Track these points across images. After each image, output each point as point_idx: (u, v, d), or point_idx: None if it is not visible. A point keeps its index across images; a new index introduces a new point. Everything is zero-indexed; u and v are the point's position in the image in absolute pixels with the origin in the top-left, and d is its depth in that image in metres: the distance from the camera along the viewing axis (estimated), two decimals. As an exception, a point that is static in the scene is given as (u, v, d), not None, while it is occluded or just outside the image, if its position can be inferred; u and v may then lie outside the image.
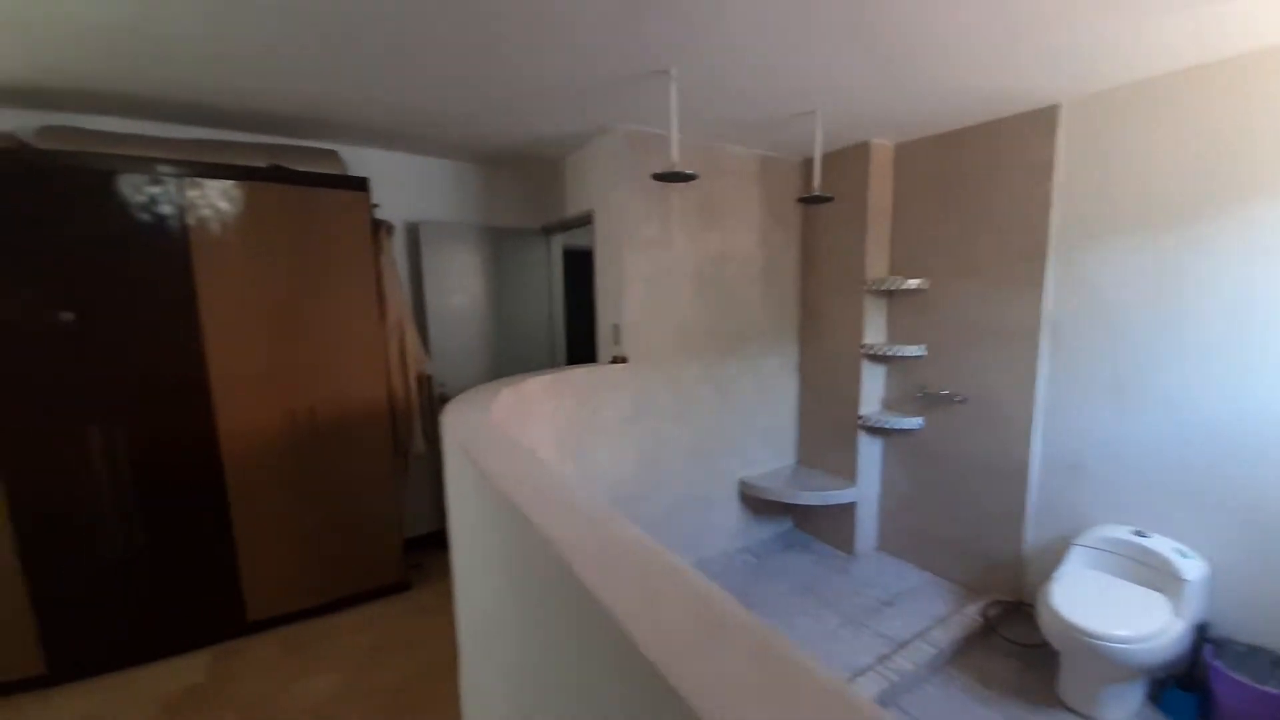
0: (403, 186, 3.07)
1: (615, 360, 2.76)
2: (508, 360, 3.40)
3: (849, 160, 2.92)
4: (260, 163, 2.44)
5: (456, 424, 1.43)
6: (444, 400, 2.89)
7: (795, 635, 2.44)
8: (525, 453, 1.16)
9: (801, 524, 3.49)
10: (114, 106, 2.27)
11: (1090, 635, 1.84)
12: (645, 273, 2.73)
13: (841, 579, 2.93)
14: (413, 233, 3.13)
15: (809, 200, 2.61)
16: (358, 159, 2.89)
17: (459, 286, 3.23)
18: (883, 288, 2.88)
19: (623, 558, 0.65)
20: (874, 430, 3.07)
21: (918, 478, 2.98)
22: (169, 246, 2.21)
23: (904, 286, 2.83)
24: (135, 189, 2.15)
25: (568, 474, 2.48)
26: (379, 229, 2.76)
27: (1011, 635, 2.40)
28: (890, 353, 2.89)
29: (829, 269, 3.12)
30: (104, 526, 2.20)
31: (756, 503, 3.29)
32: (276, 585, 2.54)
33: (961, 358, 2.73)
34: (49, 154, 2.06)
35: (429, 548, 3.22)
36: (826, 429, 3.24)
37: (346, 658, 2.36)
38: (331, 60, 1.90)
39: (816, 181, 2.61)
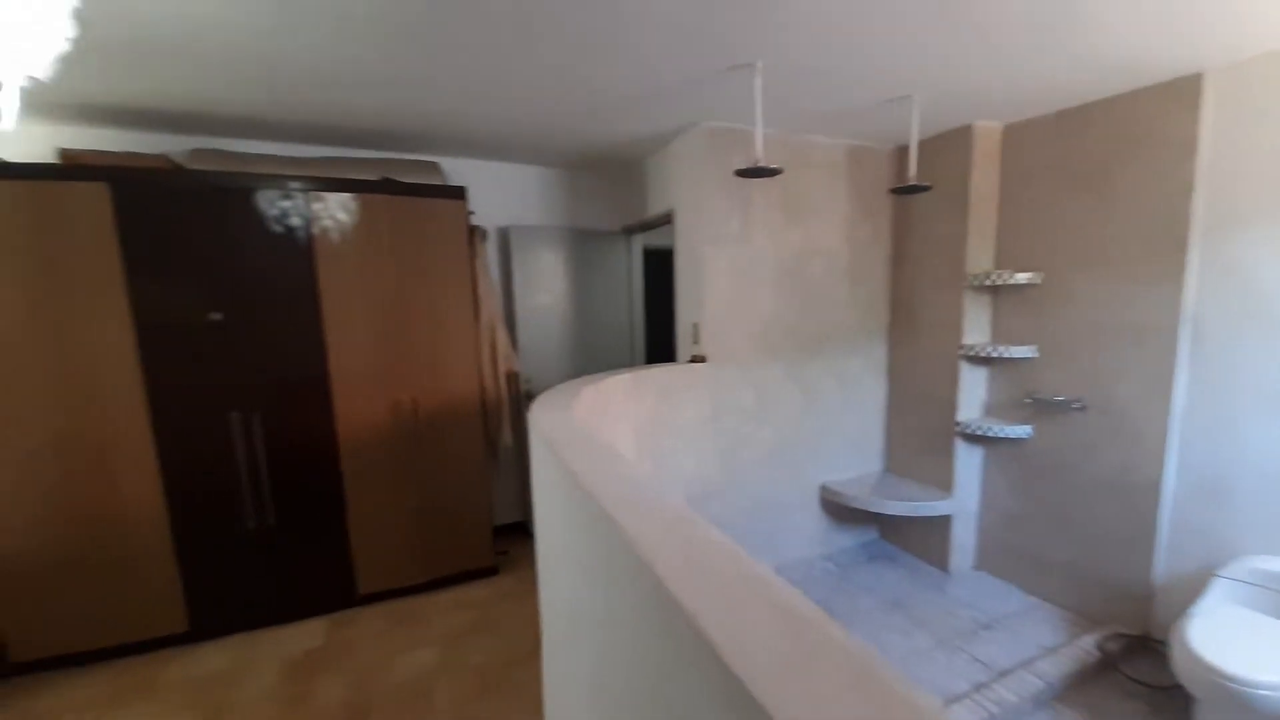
0: (496, 194, 3.24)
1: (694, 359, 2.75)
2: (590, 358, 3.49)
3: (948, 146, 2.73)
4: (372, 176, 2.67)
5: (542, 420, 1.49)
6: (530, 396, 3.03)
7: (884, 653, 2.33)
8: (607, 450, 1.18)
9: (889, 535, 3.31)
10: (252, 130, 2.58)
11: (1236, 681, 1.61)
12: (725, 271, 2.70)
13: (934, 597, 2.75)
14: (504, 237, 3.30)
15: (903, 190, 2.46)
16: (456, 169, 3.09)
17: (545, 287, 3.36)
18: (987, 283, 2.66)
19: (705, 562, 0.64)
20: (974, 438, 2.85)
21: (1025, 492, 2.73)
22: (297, 254, 2.48)
23: (1012, 281, 2.60)
24: (270, 203, 2.42)
25: (646, 472, 2.52)
26: (474, 234, 2.93)
27: (1135, 674, 2.15)
28: (994, 354, 2.67)
29: (925, 264, 2.93)
30: (241, 503, 2.50)
31: (839, 509, 3.16)
32: (382, 563, 2.77)
33: (1081, 360, 2.47)
34: (199, 174, 2.38)
35: (514, 536, 3.38)
36: (919, 435, 3.05)
37: (442, 635, 2.53)
38: (435, 82, 2.04)
39: (912, 170, 2.46)
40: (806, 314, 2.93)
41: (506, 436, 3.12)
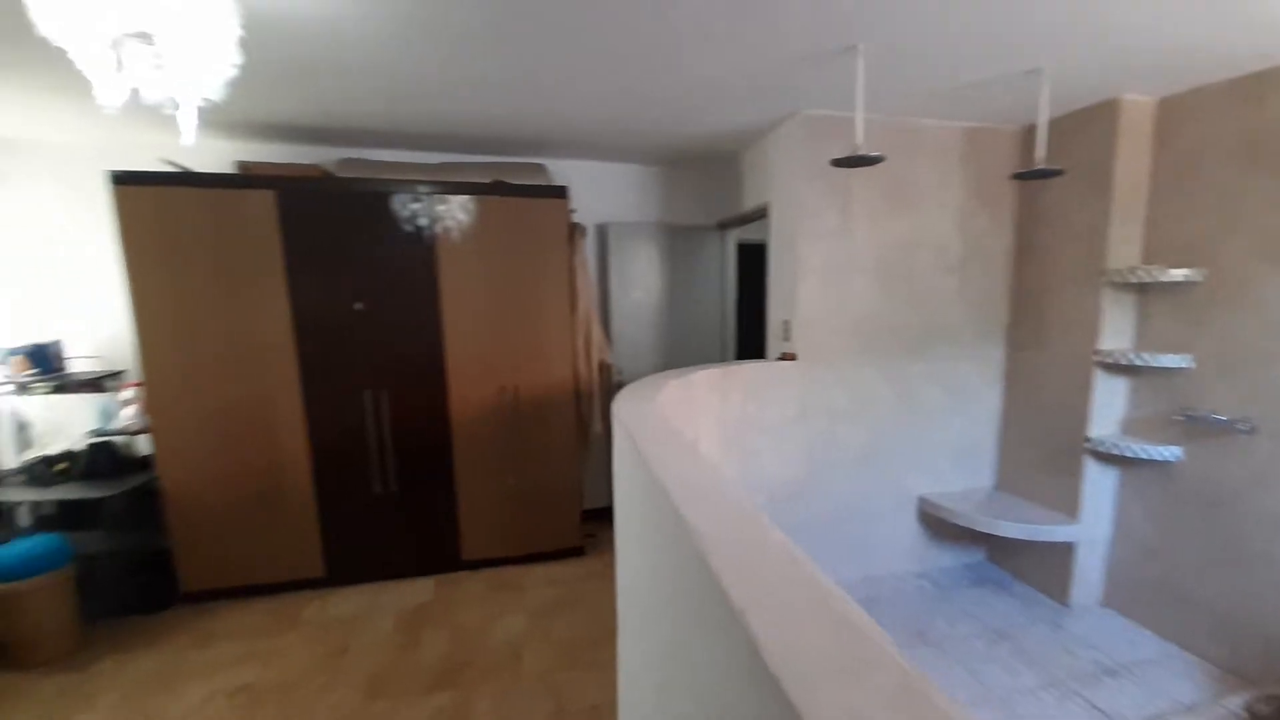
0: (595, 192, 3.38)
1: (784, 357, 2.69)
2: (680, 352, 3.54)
3: (1086, 124, 2.42)
4: (485, 179, 2.90)
5: (624, 410, 1.54)
6: (621, 387, 3.13)
7: (980, 687, 2.15)
8: (681, 440, 1.21)
9: (997, 558, 3.02)
10: (386, 140, 2.91)
11: None
12: (820, 265, 2.61)
13: (1049, 632, 2.47)
14: (601, 233, 3.43)
15: (1028, 176, 2.23)
16: (560, 170, 3.26)
17: (639, 282, 3.45)
18: (1131, 280, 2.33)
19: (762, 560, 0.63)
20: (1108, 457, 2.51)
21: (1170, 523, 2.37)
22: (423, 251, 2.76)
23: (1164, 278, 2.26)
24: (403, 205, 2.72)
25: (729, 469, 2.51)
26: (574, 231, 3.08)
27: (1310, 749, 1.80)
28: (1139, 362, 2.33)
29: (1055, 257, 2.63)
30: (369, 470, 2.85)
31: (939, 525, 2.93)
32: (483, 533, 3.03)
33: (1252, 373, 2.09)
34: (346, 180, 2.73)
35: (601, 520, 3.52)
36: (1040, 450, 2.75)
37: (532, 606, 2.72)
38: (542, 85, 2.18)
39: (1040, 153, 2.22)
40: (909, 312, 2.75)
41: (597, 424, 3.26)
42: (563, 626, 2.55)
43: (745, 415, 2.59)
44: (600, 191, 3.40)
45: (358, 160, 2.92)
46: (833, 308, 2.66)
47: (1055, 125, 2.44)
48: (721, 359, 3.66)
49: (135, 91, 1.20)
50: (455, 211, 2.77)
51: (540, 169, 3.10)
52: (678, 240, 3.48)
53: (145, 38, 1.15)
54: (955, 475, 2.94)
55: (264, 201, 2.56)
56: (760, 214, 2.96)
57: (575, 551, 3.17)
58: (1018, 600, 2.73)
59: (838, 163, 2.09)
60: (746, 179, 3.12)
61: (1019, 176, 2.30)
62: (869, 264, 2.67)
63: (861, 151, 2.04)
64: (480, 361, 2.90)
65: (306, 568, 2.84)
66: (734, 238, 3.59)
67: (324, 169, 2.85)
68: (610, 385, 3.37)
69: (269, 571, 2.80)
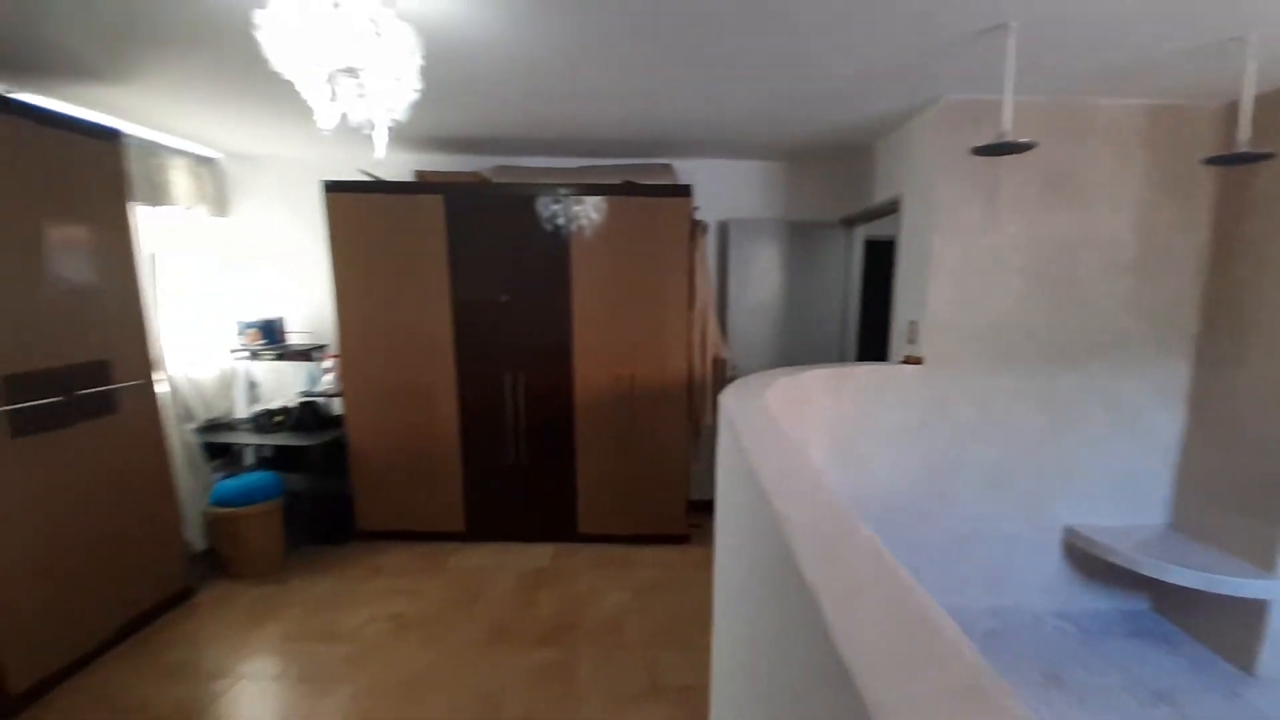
0: (719, 189, 3.45)
1: (908, 360, 2.55)
2: (797, 351, 3.48)
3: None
4: (617, 180, 3.11)
5: (731, 402, 1.60)
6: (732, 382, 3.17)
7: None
8: (782, 434, 1.23)
9: (1164, 608, 2.58)
10: (532, 148, 3.24)
11: None
12: (956, 263, 2.43)
13: (1222, 702, 2.08)
14: (722, 230, 3.49)
15: (1229, 161, 1.91)
16: (686, 169, 3.38)
17: (758, 278, 3.46)
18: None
19: (845, 554, 0.63)
20: (1332, 504, 2.05)
21: None
22: (559, 249, 3.04)
23: None
24: (544, 206, 3.02)
25: (836, 474, 2.45)
26: (695, 228, 3.18)
27: None
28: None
29: (1271, 258, 2.19)
30: (505, 442, 3.21)
31: (1090, 562, 2.58)
32: (597, 510, 3.26)
33: None
34: (500, 185, 3.10)
35: (708, 512, 3.59)
36: (1230, 487, 2.31)
37: (637, 583, 2.89)
38: (677, 97, 2.31)
39: (1244, 134, 1.88)
40: (1063, 318, 2.46)
41: (708, 417, 3.33)
42: (663, 607, 2.68)
43: (858, 420, 2.50)
44: (723, 189, 3.46)
45: (510, 167, 3.29)
46: (969, 310, 2.46)
47: (1263, 101, 2.03)
48: (839, 360, 3.54)
49: (344, 116, 1.52)
50: (588, 211, 3.00)
51: (667, 169, 3.25)
52: (799, 236, 3.43)
53: (352, 72, 1.45)
54: (1114, 508, 2.57)
55: (434, 205, 2.99)
56: (891, 208, 2.82)
57: (680, 539, 3.28)
58: (1185, 660, 2.32)
59: (980, 151, 1.96)
60: (879, 171, 2.98)
61: (1215, 161, 1.96)
62: (1017, 263, 2.43)
63: (1009, 138, 1.89)
64: (603, 350, 3.12)
65: (450, 522, 3.28)
66: (861, 234, 3.44)
67: (482, 175, 3.25)
68: (723, 380, 3.42)
69: (422, 521, 3.28)
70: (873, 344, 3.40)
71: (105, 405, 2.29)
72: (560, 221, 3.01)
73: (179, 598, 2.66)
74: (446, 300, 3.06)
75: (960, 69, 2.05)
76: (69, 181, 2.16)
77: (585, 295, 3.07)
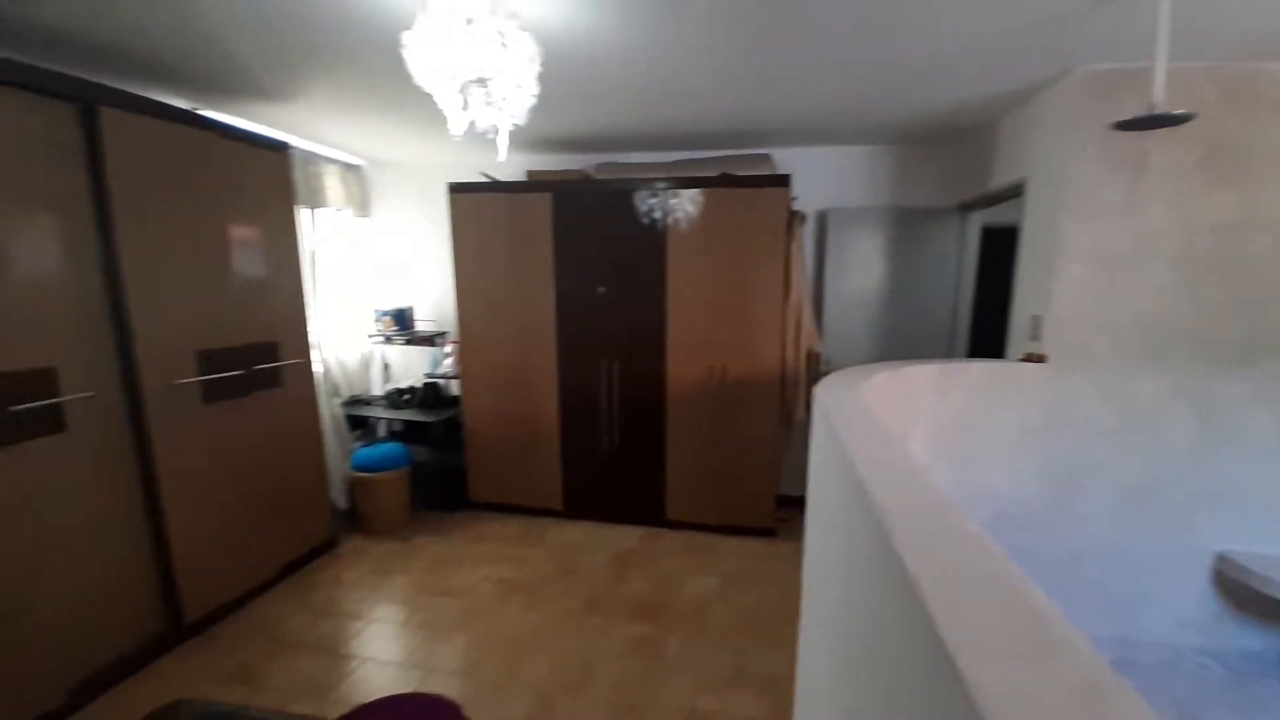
0: (819, 178, 3.36)
1: (1029, 358, 2.36)
2: (900, 346, 3.32)
3: None
4: (712, 173, 3.13)
5: (826, 395, 1.58)
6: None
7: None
8: (879, 427, 1.20)
9: (1362, 657, 2.19)
10: (630, 144, 3.34)
11: None
12: (1089, 251, 2.21)
13: None
14: (821, 219, 3.39)
15: None
16: (785, 159, 3.33)
17: (858, 269, 3.33)
18: None
19: (948, 541, 0.60)
20: None
21: None
22: (655, 241, 3.13)
23: None
24: (642, 201, 3.11)
25: (939, 474, 2.33)
26: (793, 219, 3.13)
27: None
28: None
29: None
30: (599, 427, 3.36)
31: (1246, 595, 2.24)
32: (685, 497, 3.33)
33: None
34: (602, 181, 3.23)
35: (796, 509, 3.53)
36: None
37: (724, 571, 2.92)
38: (779, 87, 2.30)
39: None
40: (1230, 313, 2.15)
41: (800, 411, 3.27)
42: (749, 597, 2.69)
43: (967, 419, 2.35)
44: (824, 177, 3.36)
45: (611, 164, 3.42)
46: (1104, 303, 2.23)
47: None
48: (948, 356, 3.32)
49: (473, 123, 1.68)
50: (684, 204, 3.06)
51: (765, 159, 3.21)
52: (907, 224, 3.25)
53: (482, 82, 1.60)
54: (1276, 532, 2.21)
55: (543, 202, 3.19)
56: (1014, 192, 2.60)
57: (767, 532, 3.27)
58: (1373, 716, 1.97)
59: (1124, 125, 1.76)
60: (1002, 151, 2.75)
61: None
62: (1168, 250, 2.16)
63: (1160, 110, 1.69)
64: (695, 341, 3.16)
65: (549, 499, 3.50)
66: (978, 220, 3.19)
67: (586, 172, 3.41)
68: (817, 374, 3.34)
69: (525, 496, 3.53)
70: (986, 340, 3.15)
71: (274, 379, 2.70)
72: (656, 215, 3.08)
73: (325, 546, 3.08)
74: (550, 292, 3.26)
75: (1096, 36, 1.85)
76: (249, 188, 2.55)
77: (680, 287, 3.13)
